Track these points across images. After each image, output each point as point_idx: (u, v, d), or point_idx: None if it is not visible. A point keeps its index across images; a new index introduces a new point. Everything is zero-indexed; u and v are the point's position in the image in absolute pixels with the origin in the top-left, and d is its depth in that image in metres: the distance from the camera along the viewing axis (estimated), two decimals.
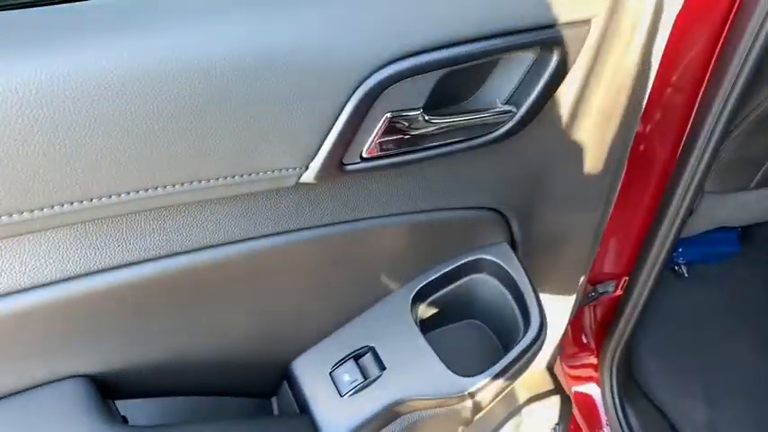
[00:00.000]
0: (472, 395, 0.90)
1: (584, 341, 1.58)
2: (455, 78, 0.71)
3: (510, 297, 0.97)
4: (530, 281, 0.95)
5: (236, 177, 0.65)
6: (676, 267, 1.83)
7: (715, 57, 1.02)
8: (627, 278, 1.39)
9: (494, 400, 0.96)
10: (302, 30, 0.61)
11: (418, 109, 0.70)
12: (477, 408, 0.94)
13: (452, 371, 0.90)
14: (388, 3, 0.64)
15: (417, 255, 0.94)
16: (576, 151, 0.90)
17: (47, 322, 0.68)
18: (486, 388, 0.91)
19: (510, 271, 0.96)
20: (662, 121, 1.17)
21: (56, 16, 0.57)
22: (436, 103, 0.73)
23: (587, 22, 0.73)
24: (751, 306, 1.76)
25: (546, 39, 0.71)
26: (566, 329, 1.34)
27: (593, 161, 0.93)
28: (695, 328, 1.71)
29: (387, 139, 0.71)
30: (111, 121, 0.57)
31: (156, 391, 0.85)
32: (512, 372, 0.92)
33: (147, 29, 0.57)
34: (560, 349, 1.54)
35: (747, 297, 1.78)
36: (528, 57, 0.75)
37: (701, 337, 1.69)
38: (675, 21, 0.87)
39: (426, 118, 0.71)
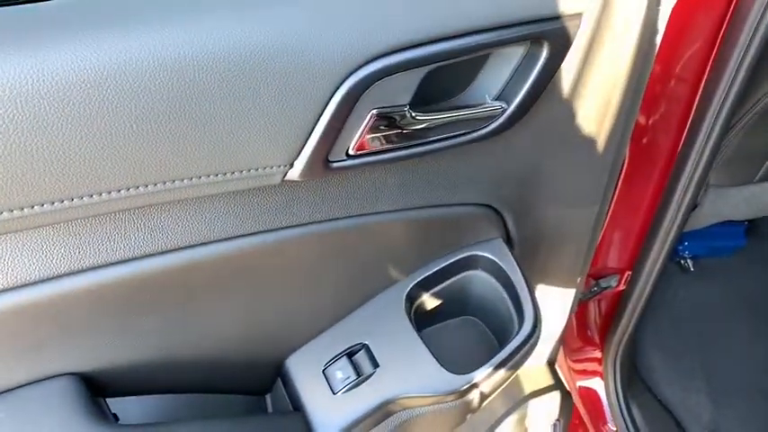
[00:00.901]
0: (466, 393, 0.90)
1: (589, 335, 1.57)
2: (443, 74, 0.70)
3: (504, 293, 0.96)
4: (524, 277, 0.94)
5: (220, 175, 0.65)
6: (682, 261, 1.81)
7: (715, 49, 1.00)
8: (630, 273, 1.38)
9: (489, 397, 0.95)
10: (284, 26, 0.61)
11: (405, 105, 0.70)
12: (471, 405, 0.93)
13: (447, 368, 0.90)
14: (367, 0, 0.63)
15: (411, 251, 0.93)
16: (572, 146, 0.89)
17: (34, 321, 0.69)
18: (480, 385, 0.90)
19: (504, 267, 0.95)
20: (664, 114, 1.16)
21: (30, 15, 0.57)
22: (424, 100, 0.72)
23: (578, 15, 0.72)
24: (757, 300, 1.74)
25: (535, 33, 0.70)
26: (567, 324, 1.33)
27: (589, 156, 0.92)
28: (700, 322, 1.70)
29: (373, 135, 0.70)
30: (91, 120, 0.56)
31: (147, 389, 0.85)
32: (506, 368, 0.91)
33: (124, 27, 0.57)
34: (562, 344, 1.53)
35: (753, 291, 1.76)
36: (518, 51, 0.74)
37: (706, 331, 1.68)
38: (672, 13, 0.86)
39: (413, 115, 0.70)
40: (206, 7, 0.60)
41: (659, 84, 1.10)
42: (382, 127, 0.70)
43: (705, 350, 1.64)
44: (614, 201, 1.30)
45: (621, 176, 1.27)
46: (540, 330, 0.93)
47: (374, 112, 0.68)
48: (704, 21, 1.00)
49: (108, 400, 0.81)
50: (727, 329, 1.68)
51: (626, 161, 1.25)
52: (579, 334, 1.61)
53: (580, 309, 1.58)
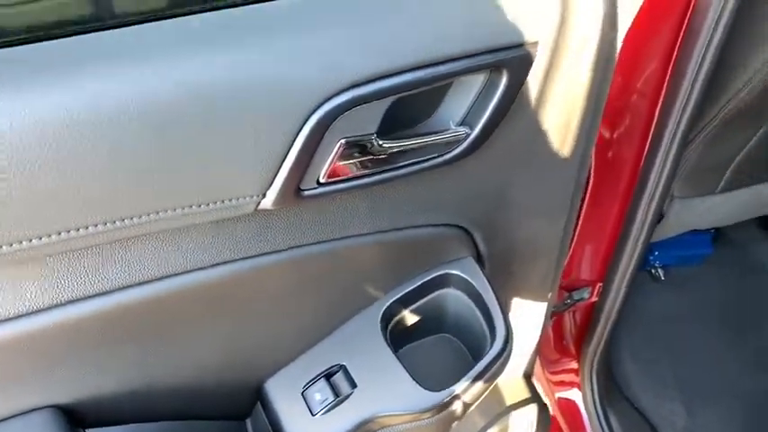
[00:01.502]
0: (442, 409, 0.92)
1: (565, 346, 1.60)
2: (408, 102, 0.72)
3: (477, 310, 0.98)
4: (494, 293, 0.96)
5: (194, 207, 0.67)
6: (653, 271, 1.85)
7: (671, 65, 1.04)
8: (601, 284, 1.41)
9: (465, 412, 0.97)
10: (248, 64, 0.62)
11: (372, 134, 0.72)
12: (448, 421, 0.95)
13: (424, 385, 0.91)
14: (333, 34, 0.66)
15: (385, 273, 0.95)
16: (536, 165, 0.92)
17: (13, 355, 0.69)
18: (456, 401, 0.92)
19: (475, 284, 0.97)
20: (626, 129, 1.20)
21: (6, 57, 0.58)
22: (391, 127, 0.74)
23: (535, 44, 0.75)
24: (725, 307, 1.79)
25: (494, 62, 0.73)
26: (542, 337, 1.36)
27: (554, 172, 0.95)
28: (672, 330, 1.73)
29: (343, 163, 0.72)
30: (66, 158, 0.58)
31: (128, 419, 0.86)
32: (480, 383, 0.93)
33: (95, 67, 0.58)
34: (538, 357, 1.56)
35: (722, 298, 1.81)
36: (479, 79, 0.76)
37: (678, 339, 1.72)
38: (627, 34, 0.90)
39: (380, 143, 0.73)
40: (177, 44, 0.62)
41: (619, 100, 1.14)
42: (351, 155, 0.72)
43: (677, 358, 1.67)
44: (582, 214, 1.33)
45: (588, 191, 1.30)
46: (511, 346, 0.95)
47: (343, 141, 0.70)
48: (659, 39, 1.04)
49: (89, 430, 0.82)
50: (698, 337, 1.71)
51: (591, 175, 1.28)
52: (556, 346, 1.63)
53: (556, 321, 1.61)
